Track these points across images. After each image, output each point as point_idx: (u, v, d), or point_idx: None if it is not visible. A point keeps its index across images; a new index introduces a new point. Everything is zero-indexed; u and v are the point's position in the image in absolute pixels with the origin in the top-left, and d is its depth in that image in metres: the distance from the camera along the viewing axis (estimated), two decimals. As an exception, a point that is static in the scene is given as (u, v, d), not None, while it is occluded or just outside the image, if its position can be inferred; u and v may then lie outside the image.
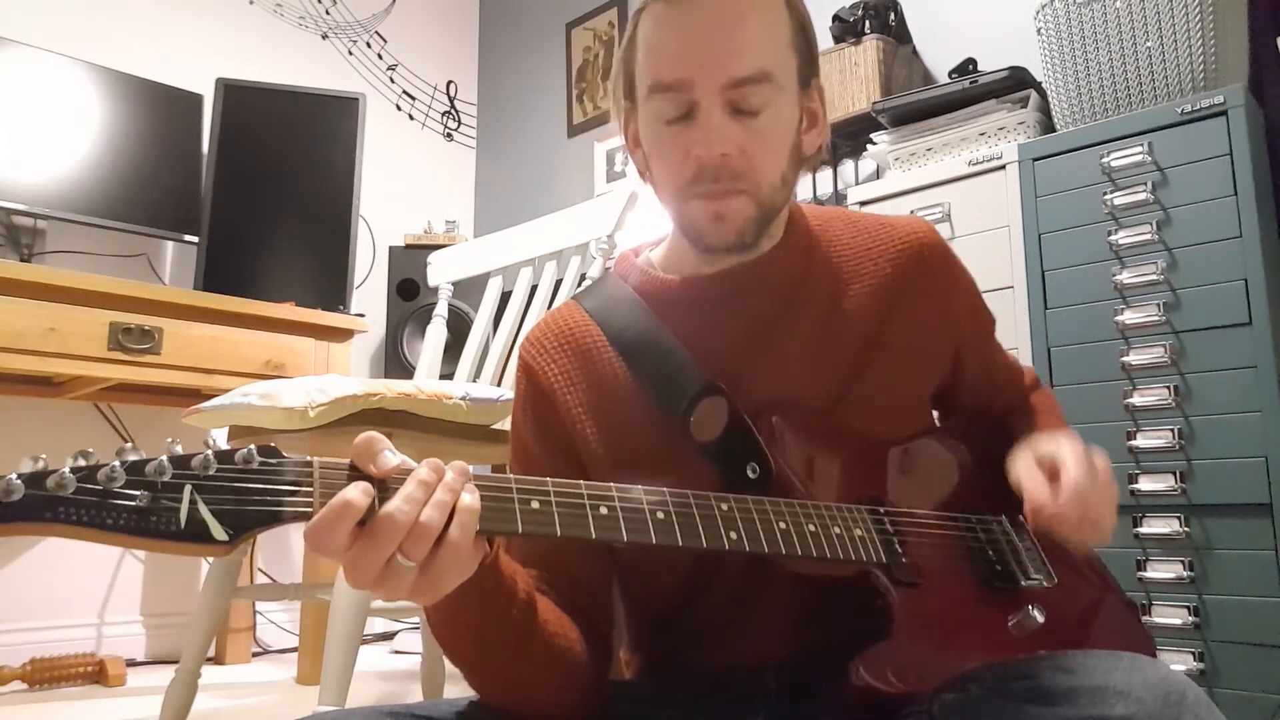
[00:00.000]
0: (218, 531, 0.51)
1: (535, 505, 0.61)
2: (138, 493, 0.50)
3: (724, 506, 0.67)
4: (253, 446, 0.54)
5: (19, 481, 0.48)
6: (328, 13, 3.29)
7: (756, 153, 0.75)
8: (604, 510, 0.63)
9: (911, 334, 0.83)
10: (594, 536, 0.61)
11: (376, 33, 3.43)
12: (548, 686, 0.71)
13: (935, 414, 0.93)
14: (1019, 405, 0.95)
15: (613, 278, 0.89)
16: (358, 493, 0.54)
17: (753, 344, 0.81)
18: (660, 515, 0.64)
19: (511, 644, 0.68)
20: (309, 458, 0.56)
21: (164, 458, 0.52)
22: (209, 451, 0.53)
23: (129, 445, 0.52)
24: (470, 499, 0.58)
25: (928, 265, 0.85)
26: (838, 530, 0.71)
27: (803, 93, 0.80)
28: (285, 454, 0.55)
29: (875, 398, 0.81)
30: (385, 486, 0.56)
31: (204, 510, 0.51)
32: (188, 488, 0.51)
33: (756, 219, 0.77)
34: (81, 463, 0.50)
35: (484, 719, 0.73)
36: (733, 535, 0.66)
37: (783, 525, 0.68)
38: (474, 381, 1.77)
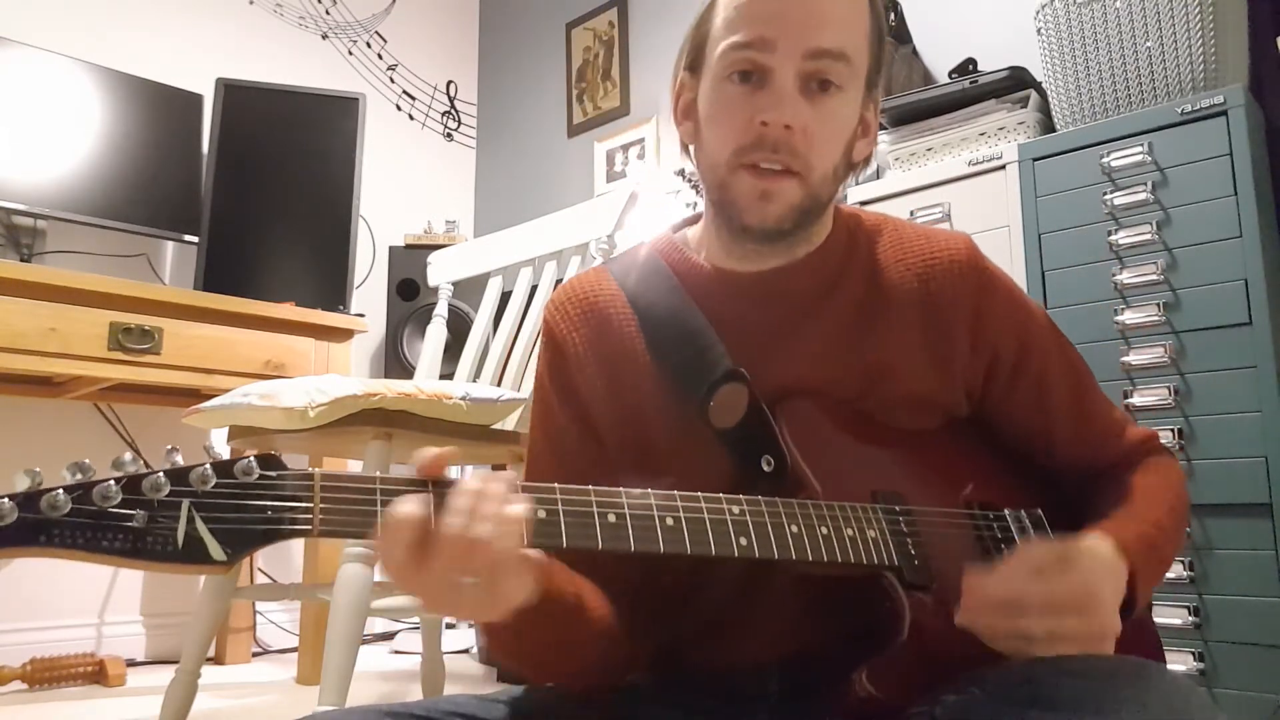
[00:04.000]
0: (216, 551, 0.50)
1: (542, 515, 0.60)
2: (134, 512, 0.49)
3: (735, 510, 0.66)
4: (253, 458, 0.53)
5: (11, 504, 0.46)
6: (328, 13, 3.29)
7: (818, 135, 0.74)
8: (612, 518, 0.62)
9: (936, 346, 0.81)
10: (600, 547, 0.61)
11: (376, 33, 3.43)
12: (598, 662, 0.75)
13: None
14: (1105, 476, 0.85)
15: (646, 249, 0.87)
16: (415, 503, 0.55)
17: (776, 339, 0.80)
18: (669, 521, 0.64)
19: (568, 642, 0.71)
20: (310, 470, 0.55)
21: (161, 473, 0.50)
22: (207, 465, 0.52)
23: (127, 456, 0.50)
24: (518, 509, 0.57)
25: (955, 283, 0.82)
26: (850, 533, 0.70)
27: (867, 95, 0.80)
28: (287, 466, 0.54)
29: (895, 403, 0.80)
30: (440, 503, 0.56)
31: (202, 529, 0.50)
32: (185, 505, 0.50)
33: (801, 207, 0.76)
34: (78, 478, 0.49)
35: (482, 718, 0.73)
36: (743, 541, 0.66)
37: (794, 529, 0.68)
38: (474, 381, 1.77)
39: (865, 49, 0.77)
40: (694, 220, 0.89)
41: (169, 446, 0.53)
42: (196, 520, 0.50)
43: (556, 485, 0.62)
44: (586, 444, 0.82)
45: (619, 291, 0.84)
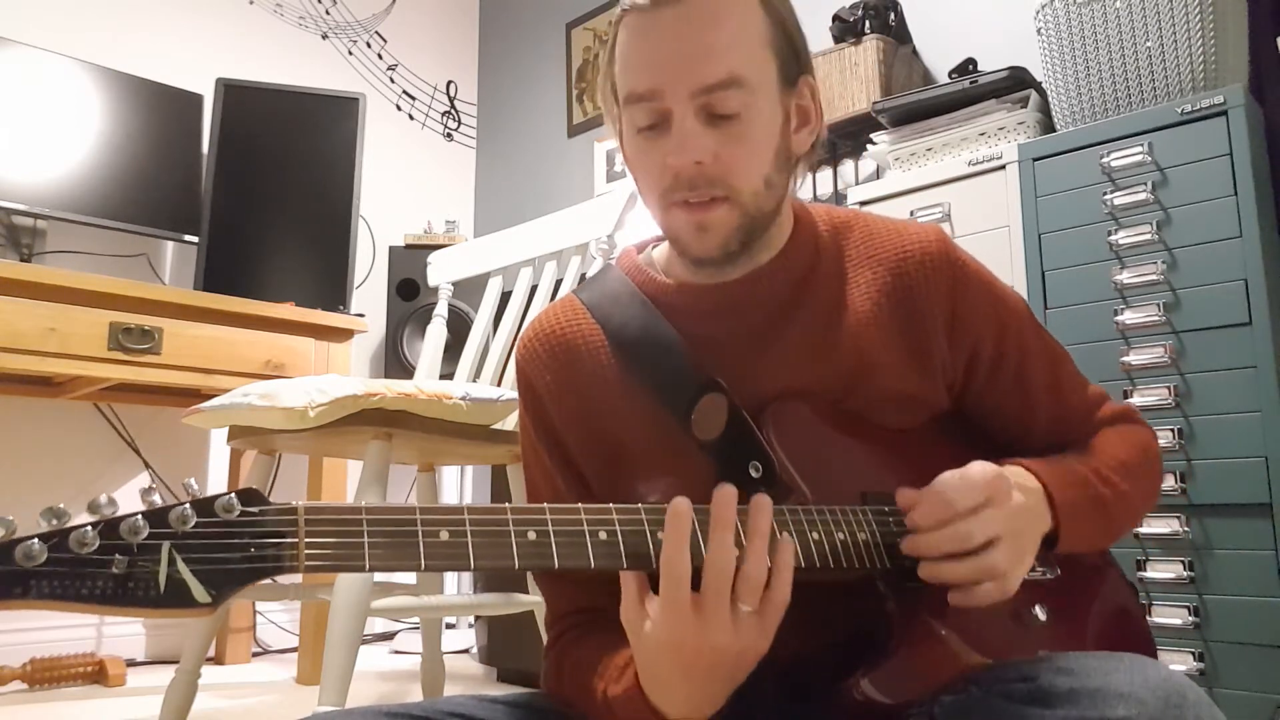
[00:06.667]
0: (199, 593, 0.49)
1: (532, 536, 0.59)
2: (113, 557, 0.47)
3: None
4: (233, 495, 0.52)
5: None
6: (328, 13, 3.29)
7: (732, 158, 0.74)
8: (603, 535, 0.61)
9: (913, 344, 0.81)
10: (593, 566, 0.60)
11: (376, 33, 3.43)
12: None
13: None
14: (1070, 444, 0.86)
15: (614, 271, 0.88)
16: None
17: (750, 348, 0.80)
18: (660, 536, 0.63)
19: None
20: (293, 503, 0.54)
21: (139, 516, 0.49)
22: (186, 504, 0.50)
23: (103, 499, 0.49)
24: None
25: (929, 275, 0.82)
26: (841, 536, 0.70)
27: (788, 91, 0.78)
28: (269, 500, 0.53)
29: (875, 403, 0.80)
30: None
31: (184, 571, 0.49)
32: (165, 547, 0.49)
33: (740, 227, 0.76)
34: (53, 524, 0.47)
35: (482, 718, 0.73)
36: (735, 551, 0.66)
37: (785, 536, 0.68)
38: (474, 381, 1.77)
39: (766, 56, 0.76)
40: (660, 240, 0.88)
41: (144, 487, 0.51)
42: (178, 562, 0.49)
43: (546, 506, 0.61)
44: (573, 483, 0.83)
45: (589, 319, 0.84)
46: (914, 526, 0.69)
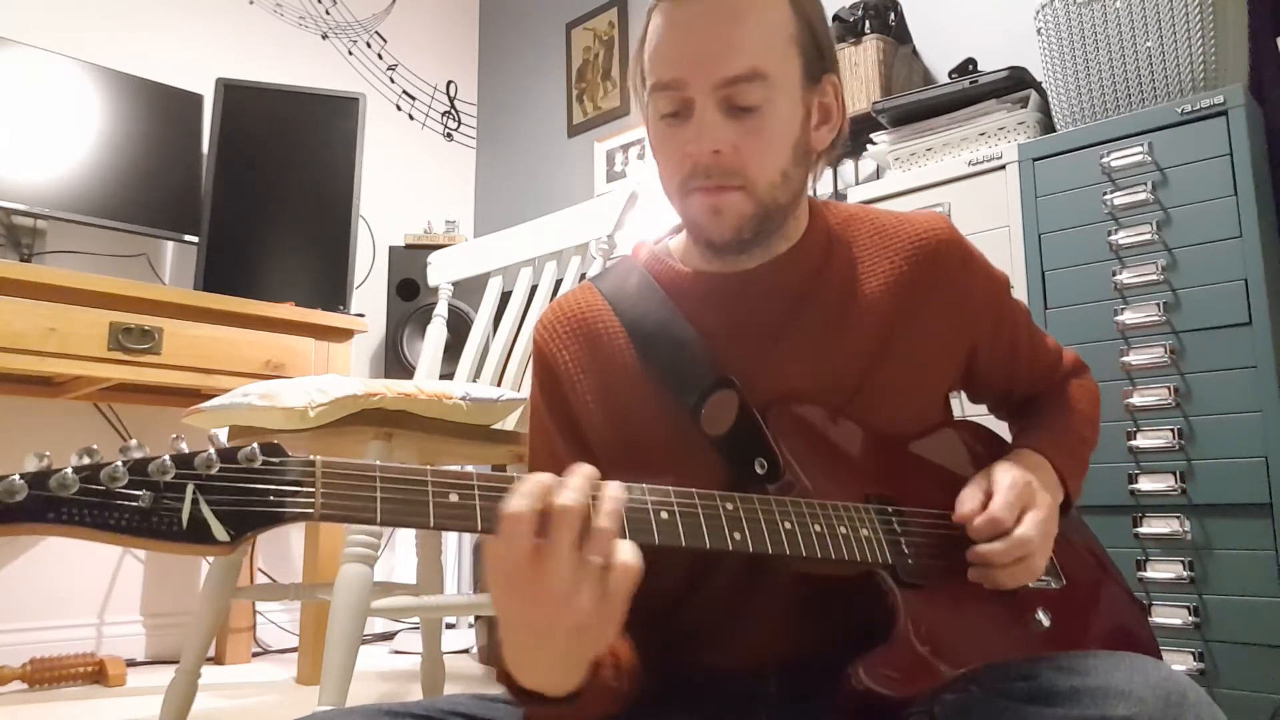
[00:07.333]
0: (219, 532, 0.51)
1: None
2: (140, 492, 0.50)
3: (729, 506, 0.67)
4: (256, 445, 0.54)
5: (22, 482, 0.48)
6: (328, 13, 3.29)
7: (750, 149, 0.75)
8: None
9: (926, 331, 0.83)
10: None
11: (376, 33, 3.43)
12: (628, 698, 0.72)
13: (964, 395, 0.96)
14: (1041, 395, 0.95)
15: (629, 262, 0.89)
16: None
17: (765, 339, 0.81)
18: (664, 515, 0.64)
19: (613, 701, 0.69)
20: (312, 457, 0.56)
21: (167, 457, 0.52)
22: (212, 450, 0.53)
23: (133, 443, 0.52)
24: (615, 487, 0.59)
25: (943, 263, 0.84)
26: (844, 530, 0.70)
27: (811, 88, 0.79)
28: (289, 453, 0.55)
29: (887, 394, 0.81)
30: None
31: (206, 510, 0.51)
32: (190, 487, 0.52)
33: (754, 215, 0.77)
34: (85, 461, 0.50)
35: (482, 718, 0.73)
36: (736, 536, 0.66)
37: (788, 525, 0.68)
38: (474, 381, 1.77)
39: (790, 52, 0.77)
40: (676, 231, 0.90)
41: (174, 435, 0.54)
42: (201, 502, 0.51)
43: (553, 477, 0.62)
44: (589, 462, 0.83)
45: (606, 306, 0.86)
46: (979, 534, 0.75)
